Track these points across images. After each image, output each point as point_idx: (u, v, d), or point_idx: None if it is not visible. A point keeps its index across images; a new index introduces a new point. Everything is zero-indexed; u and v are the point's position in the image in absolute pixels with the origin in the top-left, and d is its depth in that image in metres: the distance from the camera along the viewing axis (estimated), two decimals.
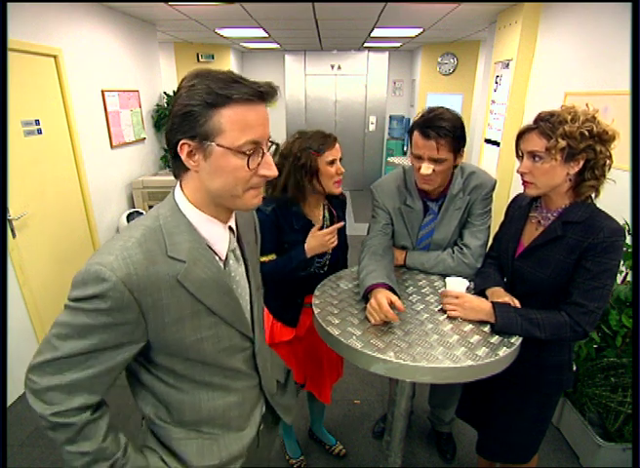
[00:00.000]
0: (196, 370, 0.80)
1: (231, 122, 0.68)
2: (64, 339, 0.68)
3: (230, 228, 0.83)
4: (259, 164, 0.72)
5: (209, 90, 0.67)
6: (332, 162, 1.38)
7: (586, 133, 1.03)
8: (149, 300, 0.69)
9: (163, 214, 0.75)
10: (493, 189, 1.42)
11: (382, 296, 1.14)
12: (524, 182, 1.15)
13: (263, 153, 0.73)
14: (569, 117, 1.04)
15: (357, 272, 1.39)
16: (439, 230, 1.44)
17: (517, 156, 1.18)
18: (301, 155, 1.35)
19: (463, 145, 1.32)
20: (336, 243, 1.41)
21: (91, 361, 0.69)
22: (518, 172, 1.15)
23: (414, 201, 1.45)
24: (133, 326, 0.70)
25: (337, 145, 1.40)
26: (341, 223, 1.45)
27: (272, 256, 1.42)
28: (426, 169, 1.29)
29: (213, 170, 0.71)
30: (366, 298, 1.23)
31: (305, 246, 1.38)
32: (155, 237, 0.72)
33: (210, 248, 0.78)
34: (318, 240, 1.38)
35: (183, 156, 0.70)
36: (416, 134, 1.29)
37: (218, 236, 0.79)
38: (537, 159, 1.09)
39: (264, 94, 0.70)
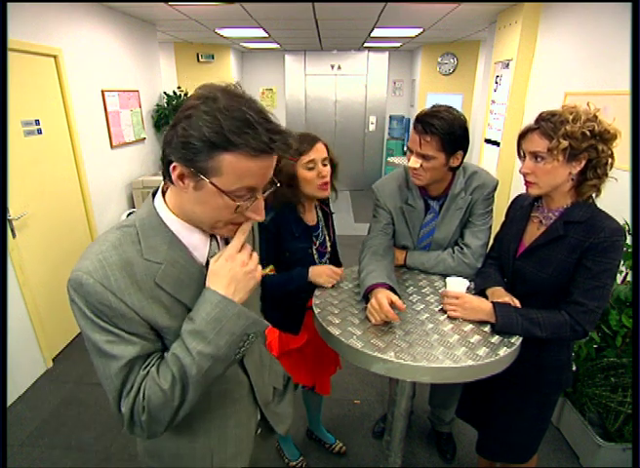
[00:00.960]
0: None
1: (232, 168, 0.64)
2: (103, 353, 0.68)
3: (213, 235, 0.80)
4: (247, 207, 0.71)
5: (218, 129, 0.62)
6: (310, 164, 1.32)
7: (588, 132, 1.03)
8: (135, 301, 0.68)
9: (140, 217, 0.74)
10: (494, 189, 1.42)
11: (383, 296, 1.14)
12: (526, 182, 1.15)
13: (257, 199, 0.71)
14: (570, 117, 1.04)
15: (357, 272, 1.39)
16: (440, 229, 1.44)
17: (519, 156, 1.18)
18: (280, 159, 1.33)
19: (461, 148, 1.31)
20: (330, 285, 1.39)
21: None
22: (521, 172, 1.15)
23: (415, 200, 1.45)
24: (137, 324, 0.69)
25: (317, 146, 1.33)
26: (343, 272, 1.45)
27: (271, 268, 1.39)
28: (413, 162, 1.30)
29: (199, 200, 0.69)
30: (366, 298, 1.23)
31: (310, 269, 1.38)
32: (130, 239, 0.71)
33: (189, 251, 0.76)
34: (321, 270, 1.38)
35: (174, 177, 0.67)
36: (412, 128, 1.33)
37: (196, 242, 0.77)
38: (539, 159, 1.09)
39: (275, 150, 0.67)
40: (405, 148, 6.62)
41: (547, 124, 1.06)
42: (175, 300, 0.73)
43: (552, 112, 1.08)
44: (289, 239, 1.41)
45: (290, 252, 1.42)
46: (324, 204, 1.56)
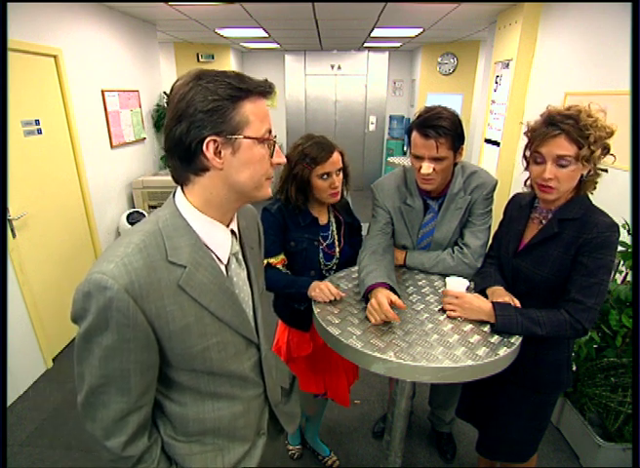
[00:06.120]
0: (202, 380, 0.79)
1: (254, 113, 0.70)
2: (90, 371, 0.70)
3: (233, 231, 0.82)
4: (271, 153, 0.76)
5: (230, 85, 0.68)
6: (324, 175, 1.36)
7: (605, 134, 1.04)
8: (153, 308, 0.68)
9: (162, 218, 0.73)
10: (494, 189, 1.42)
11: (383, 296, 1.14)
12: (546, 188, 1.10)
13: (275, 142, 0.76)
14: (592, 121, 1.03)
15: (357, 272, 1.39)
16: (440, 229, 1.44)
17: (527, 160, 1.15)
18: (296, 164, 1.36)
19: (462, 143, 1.33)
20: (320, 299, 1.28)
21: (126, 383, 0.70)
22: (543, 177, 1.08)
23: (414, 200, 1.45)
24: (144, 341, 0.69)
25: (333, 158, 1.36)
26: (342, 294, 1.30)
27: (282, 257, 1.42)
28: (427, 168, 1.28)
29: (242, 163, 0.71)
30: (366, 298, 1.23)
31: (313, 282, 1.32)
32: (155, 241, 0.70)
33: (211, 251, 0.77)
34: (317, 284, 1.30)
35: (210, 154, 0.69)
36: (415, 134, 1.29)
37: (219, 239, 0.78)
38: (563, 165, 1.06)
39: (271, 91, 0.74)
40: (408, 154, 6.57)
41: (572, 128, 1.03)
42: (194, 303, 0.73)
43: (566, 113, 1.06)
44: (294, 229, 1.42)
45: (295, 241, 1.42)
46: (338, 211, 1.54)
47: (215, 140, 0.68)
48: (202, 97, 0.67)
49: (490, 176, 1.44)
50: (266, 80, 0.73)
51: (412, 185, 1.45)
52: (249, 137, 0.70)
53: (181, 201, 0.75)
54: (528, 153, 1.16)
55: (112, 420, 0.71)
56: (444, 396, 1.90)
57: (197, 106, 0.67)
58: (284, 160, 0.79)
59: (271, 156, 0.75)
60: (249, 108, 0.69)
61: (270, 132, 0.74)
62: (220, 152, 0.69)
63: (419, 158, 1.30)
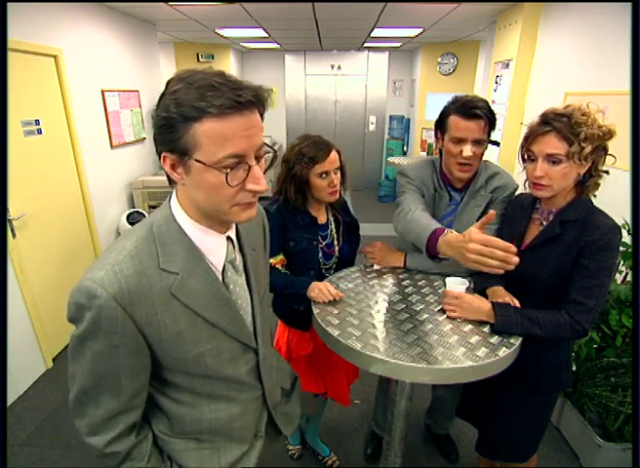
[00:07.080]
0: (197, 382, 0.79)
1: (207, 136, 0.62)
2: (81, 372, 0.70)
3: (230, 238, 0.80)
4: (244, 179, 0.66)
5: (185, 101, 0.61)
6: (323, 174, 1.36)
7: (601, 134, 1.03)
8: (144, 315, 0.67)
9: (157, 223, 0.72)
10: (513, 193, 1.42)
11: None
12: (538, 185, 1.12)
13: (250, 167, 0.66)
14: (589, 120, 1.03)
15: (408, 222, 1.31)
16: (457, 223, 1.44)
17: (524, 159, 1.15)
18: (294, 165, 1.36)
19: (493, 129, 1.34)
20: (320, 300, 1.27)
21: (116, 386, 0.71)
22: (534, 175, 1.10)
23: (442, 189, 1.45)
24: (133, 346, 0.69)
25: (331, 156, 1.36)
26: (342, 295, 1.30)
27: (281, 257, 1.42)
28: (469, 150, 1.29)
29: (195, 185, 0.67)
30: (427, 245, 1.17)
31: (312, 283, 1.32)
32: (148, 248, 0.69)
33: (206, 257, 0.75)
34: (315, 285, 1.31)
35: (167, 168, 0.68)
36: (456, 118, 1.29)
37: (213, 247, 0.76)
38: (555, 162, 1.07)
39: (244, 103, 0.62)
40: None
41: (564, 126, 1.04)
42: (188, 310, 0.72)
43: (560, 112, 1.06)
44: (292, 229, 1.42)
45: (294, 241, 1.42)
46: (337, 210, 1.54)
47: (170, 157, 0.66)
48: (162, 109, 0.64)
49: (511, 180, 1.43)
50: (250, 90, 0.63)
51: (439, 176, 1.45)
52: (199, 162, 0.63)
53: (175, 205, 0.74)
54: (523, 151, 1.16)
55: (102, 418, 0.72)
56: (444, 401, 1.89)
57: (155, 119, 0.65)
58: (262, 188, 0.68)
59: (243, 181, 0.67)
60: (201, 131, 0.61)
61: (241, 156, 0.64)
62: (177, 168, 0.67)
63: (460, 141, 1.30)
